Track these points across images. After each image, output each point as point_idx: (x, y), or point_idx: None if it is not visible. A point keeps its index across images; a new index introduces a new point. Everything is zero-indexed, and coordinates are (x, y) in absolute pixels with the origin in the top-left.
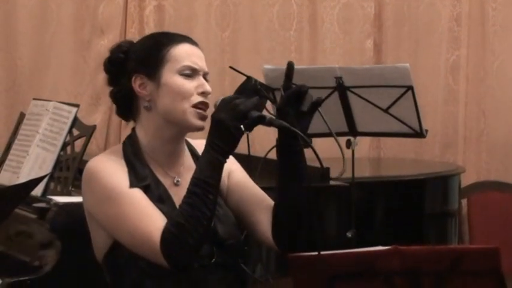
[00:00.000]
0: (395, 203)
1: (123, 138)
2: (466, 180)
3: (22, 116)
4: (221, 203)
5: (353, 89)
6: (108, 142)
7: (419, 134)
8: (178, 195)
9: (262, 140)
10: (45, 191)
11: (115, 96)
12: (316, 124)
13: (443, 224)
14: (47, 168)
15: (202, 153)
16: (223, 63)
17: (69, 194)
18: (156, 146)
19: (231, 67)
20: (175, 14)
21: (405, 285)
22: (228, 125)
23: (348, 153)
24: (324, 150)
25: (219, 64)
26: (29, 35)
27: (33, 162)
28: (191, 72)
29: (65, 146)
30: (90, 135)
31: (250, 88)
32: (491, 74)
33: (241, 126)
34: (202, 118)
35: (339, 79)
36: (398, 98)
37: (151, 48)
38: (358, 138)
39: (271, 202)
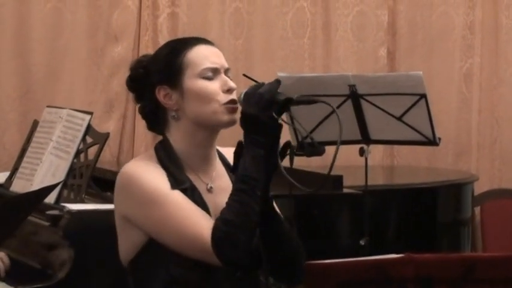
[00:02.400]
0: (409, 211)
1: (136, 145)
2: (479, 188)
3: (36, 123)
4: None
5: (366, 97)
6: (122, 150)
7: (433, 142)
8: (211, 201)
9: None
10: (59, 199)
11: (143, 112)
12: (329, 132)
13: (456, 232)
14: (60, 176)
15: (244, 150)
16: (237, 70)
17: (82, 201)
18: (190, 152)
19: (244, 75)
20: (188, 21)
21: None
22: (260, 117)
23: (361, 161)
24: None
25: (233, 72)
26: (43, 42)
27: (46, 169)
28: (212, 74)
29: (78, 153)
30: (104, 143)
31: None
32: (505, 82)
33: (273, 114)
34: (233, 112)
35: (352, 87)
36: (412, 106)
37: (168, 58)
38: (371, 146)
39: None
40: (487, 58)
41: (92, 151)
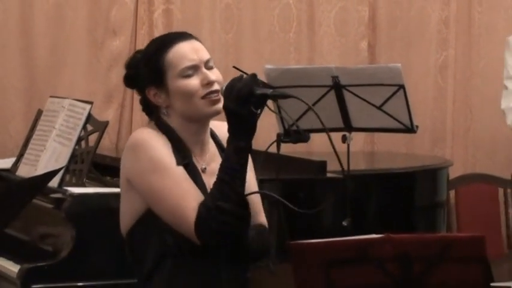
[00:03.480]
0: (388, 194)
1: (135, 127)
2: (454, 172)
3: (40, 112)
4: None
5: (348, 88)
6: (120, 137)
7: (410, 129)
8: (206, 181)
9: (264, 134)
10: (61, 183)
11: (141, 104)
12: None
13: (432, 214)
14: (62, 162)
15: (227, 142)
16: (228, 63)
17: (83, 185)
18: (185, 138)
19: (234, 67)
20: (182, 17)
21: (397, 270)
22: (239, 111)
23: (343, 147)
24: (321, 145)
25: (224, 64)
26: (46, 37)
27: (50, 155)
28: (192, 71)
29: (79, 140)
30: (103, 131)
31: None
32: (477, 74)
33: (252, 108)
34: (215, 103)
35: (335, 78)
36: (391, 96)
37: (152, 61)
38: (353, 133)
39: (260, 220)
40: (461, 51)
41: (92, 138)
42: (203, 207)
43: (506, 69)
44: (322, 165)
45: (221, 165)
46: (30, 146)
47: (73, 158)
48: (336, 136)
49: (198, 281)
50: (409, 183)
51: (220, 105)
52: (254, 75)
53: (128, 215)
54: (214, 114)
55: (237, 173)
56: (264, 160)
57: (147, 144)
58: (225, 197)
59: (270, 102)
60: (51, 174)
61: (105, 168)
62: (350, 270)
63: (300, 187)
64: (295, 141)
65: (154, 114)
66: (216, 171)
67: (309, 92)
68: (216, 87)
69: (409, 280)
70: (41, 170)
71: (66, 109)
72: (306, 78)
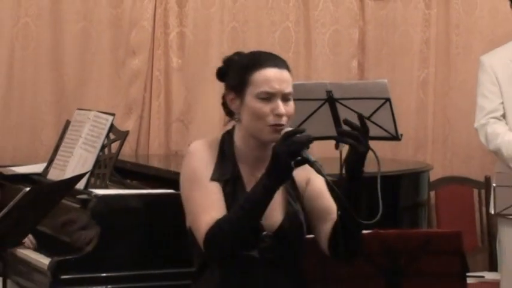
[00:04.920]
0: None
1: (151, 141)
2: (434, 175)
3: (68, 123)
4: (294, 203)
5: (341, 101)
6: (139, 145)
7: (396, 137)
8: None
9: None
10: (87, 185)
11: (222, 99)
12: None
13: (415, 213)
14: (88, 166)
15: (261, 176)
16: None
17: (106, 187)
18: (245, 150)
19: None
20: (194, 38)
21: (385, 262)
22: (282, 160)
23: (336, 153)
24: (318, 151)
25: None
26: (74, 56)
27: (76, 161)
28: (267, 96)
29: (103, 147)
30: (124, 139)
31: None
32: (455, 89)
33: (292, 163)
34: (277, 132)
35: (329, 92)
36: (378, 108)
37: (241, 70)
38: None
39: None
40: (440, 69)
41: (114, 146)
42: (216, 225)
43: (479, 87)
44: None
45: (247, 193)
46: (59, 152)
47: (97, 163)
48: (330, 144)
49: (241, 286)
50: (395, 185)
51: (279, 136)
52: (311, 139)
53: (186, 215)
54: (271, 141)
55: (258, 206)
56: None
57: (192, 155)
58: (239, 222)
59: None
60: (77, 178)
61: (126, 172)
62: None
63: None
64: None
65: (231, 115)
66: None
67: (305, 104)
68: (283, 121)
69: (395, 271)
70: (68, 174)
71: (92, 120)
72: (303, 92)
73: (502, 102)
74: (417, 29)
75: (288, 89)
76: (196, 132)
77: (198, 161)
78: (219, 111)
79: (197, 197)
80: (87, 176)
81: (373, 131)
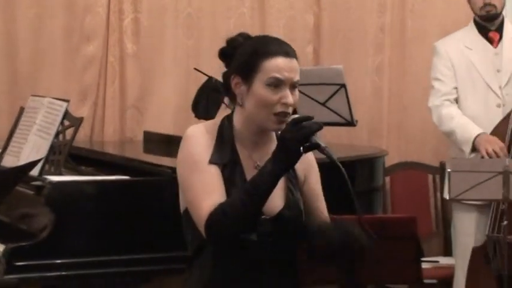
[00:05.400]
0: (332, 180)
1: (105, 128)
2: (389, 161)
3: (22, 110)
4: (295, 191)
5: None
6: (93, 131)
7: (351, 123)
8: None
9: None
10: (41, 172)
11: (223, 81)
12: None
13: (370, 198)
14: (42, 153)
15: (267, 161)
16: (189, 66)
17: (60, 174)
18: (244, 134)
19: (195, 69)
20: (148, 24)
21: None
22: (290, 145)
23: None
24: None
25: (185, 66)
26: (27, 43)
27: (31, 147)
28: (277, 83)
29: (57, 134)
30: (79, 126)
31: (211, 86)
32: (409, 74)
33: (301, 148)
34: (281, 123)
35: None
36: (334, 94)
37: (251, 56)
38: None
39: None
40: (395, 54)
41: (69, 132)
42: (219, 209)
43: (433, 71)
44: None
45: (252, 179)
46: (13, 139)
47: (52, 149)
48: None
49: (237, 270)
50: (351, 171)
51: (281, 126)
52: (321, 126)
53: (181, 200)
54: (274, 131)
55: (264, 192)
56: None
57: (189, 139)
58: (243, 207)
59: None
60: (32, 164)
61: (80, 159)
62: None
63: None
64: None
65: (232, 101)
66: None
67: None
68: (290, 110)
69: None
70: (23, 161)
71: (46, 106)
72: None
73: (456, 87)
74: (372, 15)
75: (297, 77)
76: (151, 118)
77: (196, 145)
78: (174, 98)
79: (196, 180)
80: (41, 162)
81: (329, 116)
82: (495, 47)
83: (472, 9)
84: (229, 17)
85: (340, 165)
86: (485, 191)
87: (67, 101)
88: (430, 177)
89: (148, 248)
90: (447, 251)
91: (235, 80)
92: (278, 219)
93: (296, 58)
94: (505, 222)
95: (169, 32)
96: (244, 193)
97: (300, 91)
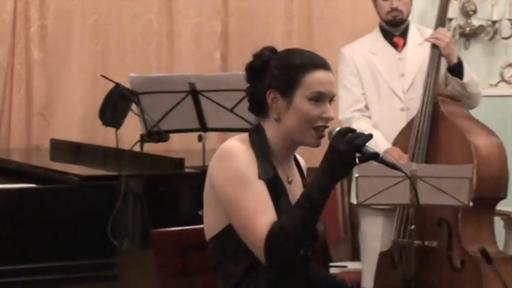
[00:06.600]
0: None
1: (12, 135)
2: None
3: None
4: None
5: (204, 93)
6: (0, 138)
7: None
8: (290, 192)
9: (129, 134)
10: None
11: (250, 96)
12: (173, 122)
13: None
14: None
15: (318, 173)
16: (96, 72)
17: None
18: (278, 149)
19: (102, 76)
20: (55, 31)
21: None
22: (346, 156)
23: (199, 145)
24: (180, 144)
25: (92, 73)
26: None
27: None
28: (319, 97)
29: None
30: None
31: (118, 93)
32: None
33: (357, 159)
34: (320, 138)
35: (192, 84)
36: (241, 100)
37: (290, 69)
38: (208, 133)
39: None
40: None
41: None
42: (278, 227)
43: (340, 78)
44: (181, 161)
45: (307, 194)
46: None
47: None
48: (193, 136)
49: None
50: None
51: (321, 142)
52: (371, 136)
53: (211, 223)
54: (313, 146)
55: (319, 207)
56: (129, 158)
57: (233, 156)
58: (303, 222)
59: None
60: None
61: None
62: (204, 254)
63: (161, 181)
64: (156, 141)
65: (261, 115)
66: (298, 183)
67: (168, 97)
68: (328, 124)
69: None
70: None
71: None
72: (166, 85)
73: (364, 93)
74: (279, 21)
75: (335, 92)
76: (57, 126)
77: (242, 162)
78: (81, 105)
79: (247, 199)
80: None
81: (237, 122)
82: (399, 52)
83: (379, 14)
84: (136, 23)
85: (404, 171)
86: (392, 196)
87: None
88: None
89: (56, 256)
90: (355, 256)
91: (272, 95)
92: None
93: (333, 74)
94: (412, 227)
95: (76, 38)
96: (301, 209)
97: (207, 97)
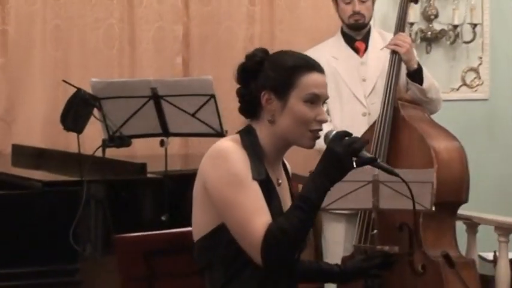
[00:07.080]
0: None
1: None
2: None
3: None
4: None
5: (166, 98)
6: None
7: (221, 134)
8: (280, 194)
9: (91, 139)
10: None
11: (241, 97)
12: (135, 127)
13: None
14: None
15: (315, 174)
16: (57, 77)
17: None
18: (270, 148)
19: (64, 81)
20: (16, 36)
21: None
22: (343, 159)
23: (161, 150)
24: (142, 149)
25: (54, 78)
26: None
27: None
28: (314, 99)
29: None
30: None
31: (80, 98)
32: None
33: (354, 162)
34: (315, 139)
35: (153, 89)
36: (203, 105)
37: (285, 71)
38: (170, 138)
39: None
40: None
41: None
42: (276, 228)
43: None
44: (143, 166)
45: (303, 195)
46: None
47: None
48: (155, 141)
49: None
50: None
51: (315, 144)
52: (367, 141)
53: (200, 224)
54: (308, 148)
55: (316, 208)
56: (91, 163)
57: (227, 155)
58: (300, 223)
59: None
60: None
61: None
62: (167, 259)
63: (123, 187)
64: (118, 146)
65: (253, 114)
66: (286, 186)
67: (130, 102)
68: (322, 127)
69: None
70: None
71: None
72: (128, 90)
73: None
74: (241, 26)
75: (328, 94)
76: (19, 131)
77: (236, 162)
78: (43, 110)
79: (243, 199)
80: None
81: (199, 127)
82: (361, 57)
83: (341, 17)
84: (98, 28)
85: (400, 176)
86: (355, 200)
87: None
88: (301, 187)
89: (18, 263)
90: None
91: (266, 96)
92: None
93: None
94: (375, 231)
95: (38, 43)
96: (298, 210)
97: (169, 102)
